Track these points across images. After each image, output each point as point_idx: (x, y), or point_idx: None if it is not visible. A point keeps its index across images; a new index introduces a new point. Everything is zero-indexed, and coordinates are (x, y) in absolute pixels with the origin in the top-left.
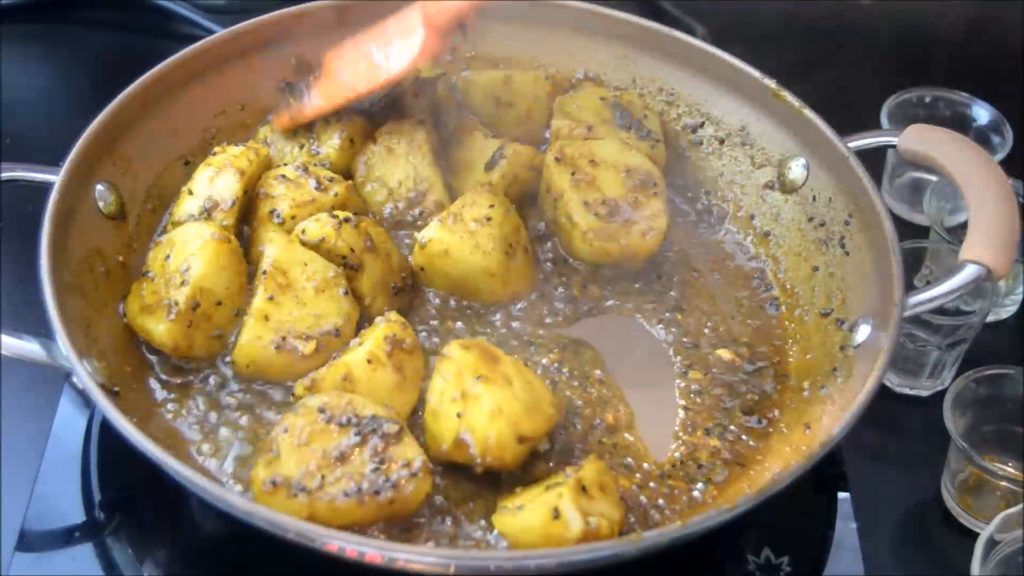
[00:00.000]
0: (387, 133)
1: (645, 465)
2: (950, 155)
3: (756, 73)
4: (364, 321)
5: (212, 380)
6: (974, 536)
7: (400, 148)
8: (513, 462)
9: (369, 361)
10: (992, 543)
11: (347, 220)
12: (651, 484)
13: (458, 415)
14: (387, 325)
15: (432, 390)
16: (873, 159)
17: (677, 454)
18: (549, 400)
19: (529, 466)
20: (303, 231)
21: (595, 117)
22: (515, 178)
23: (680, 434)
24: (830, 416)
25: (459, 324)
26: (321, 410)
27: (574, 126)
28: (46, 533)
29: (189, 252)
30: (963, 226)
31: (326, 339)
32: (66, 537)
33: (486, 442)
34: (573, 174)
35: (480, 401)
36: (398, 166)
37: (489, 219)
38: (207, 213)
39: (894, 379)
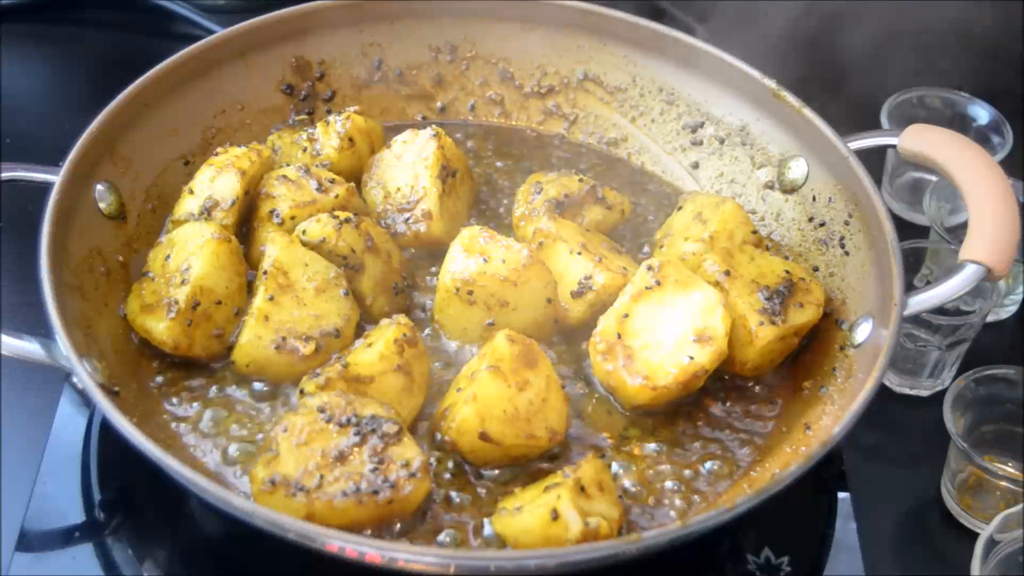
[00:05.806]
0: (402, 142)
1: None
2: (950, 155)
3: (756, 73)
4: (364, 321)
5: (212, 379)
6: (974, 536)
7: (408, 157)
8: (472, 455)
9: (380, 363)
10: (992, 543)
11: (348, 221)
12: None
13: (458, 390)
14: (397, 328)
15: (468, 364)
16: (873, 159)
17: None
18: (549, 426)
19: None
20: (304, 231)
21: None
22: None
23: None
24: (830, 416)
25: None
26: (321, 410)
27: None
28: (46, 533)
29: (189, 251)
30: (963, 226)
31: (326, 340)
32: (66, 537)
33: (454, 420)
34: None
35: (474, 383)
36: (401, 172)
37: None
38: (207, 212)
39: (894, 379)
